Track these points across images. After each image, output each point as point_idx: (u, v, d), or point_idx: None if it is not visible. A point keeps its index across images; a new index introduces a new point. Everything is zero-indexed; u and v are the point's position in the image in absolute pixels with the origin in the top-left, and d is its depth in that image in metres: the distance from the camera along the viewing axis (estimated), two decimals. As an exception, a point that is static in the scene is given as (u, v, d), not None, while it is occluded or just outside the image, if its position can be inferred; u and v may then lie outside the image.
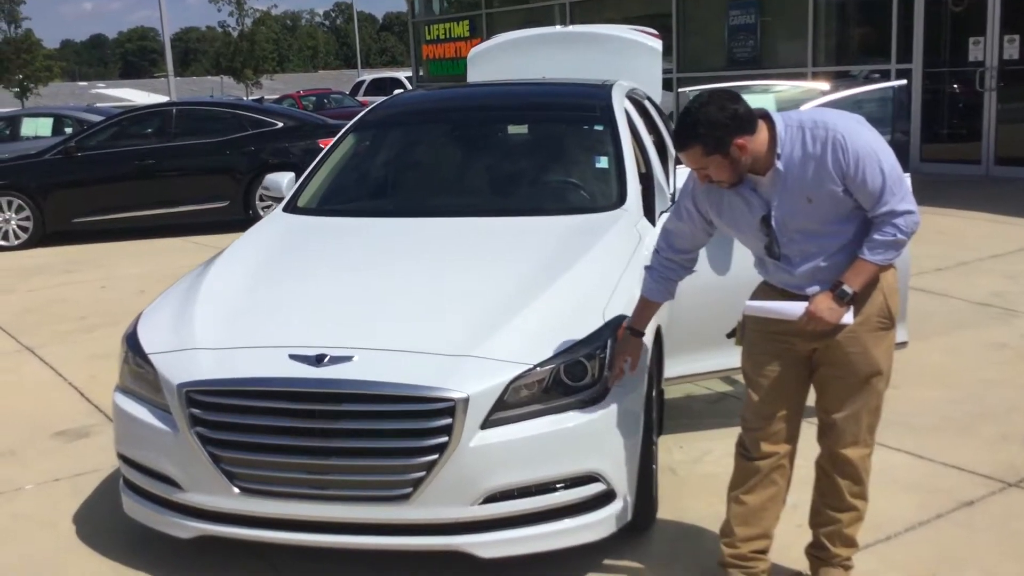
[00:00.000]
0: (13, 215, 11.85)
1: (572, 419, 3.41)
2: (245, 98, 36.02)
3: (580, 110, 5.31)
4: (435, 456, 3.29)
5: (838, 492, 3.33)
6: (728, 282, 4.54)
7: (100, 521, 4.14)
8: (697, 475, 4.47)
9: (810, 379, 3.32)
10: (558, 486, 3.42)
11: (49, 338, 7.28)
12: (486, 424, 3.33)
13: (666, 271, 3.47)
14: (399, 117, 5.71)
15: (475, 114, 5.52)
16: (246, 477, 3.43)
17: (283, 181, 5.21)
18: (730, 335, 3.47)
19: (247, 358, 3.51)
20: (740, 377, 5.20)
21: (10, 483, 4.67)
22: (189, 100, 19.01)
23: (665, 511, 4.07)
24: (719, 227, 3.35)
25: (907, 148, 4.68)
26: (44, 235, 11.92)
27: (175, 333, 3.72)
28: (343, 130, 5.48)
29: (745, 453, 3.38)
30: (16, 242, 11.87)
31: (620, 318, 3.64)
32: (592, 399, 3.45)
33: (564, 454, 3.40)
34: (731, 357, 4.80)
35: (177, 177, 11.96)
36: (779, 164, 3.06)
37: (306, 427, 3.35)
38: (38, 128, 15.93)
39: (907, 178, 3.15)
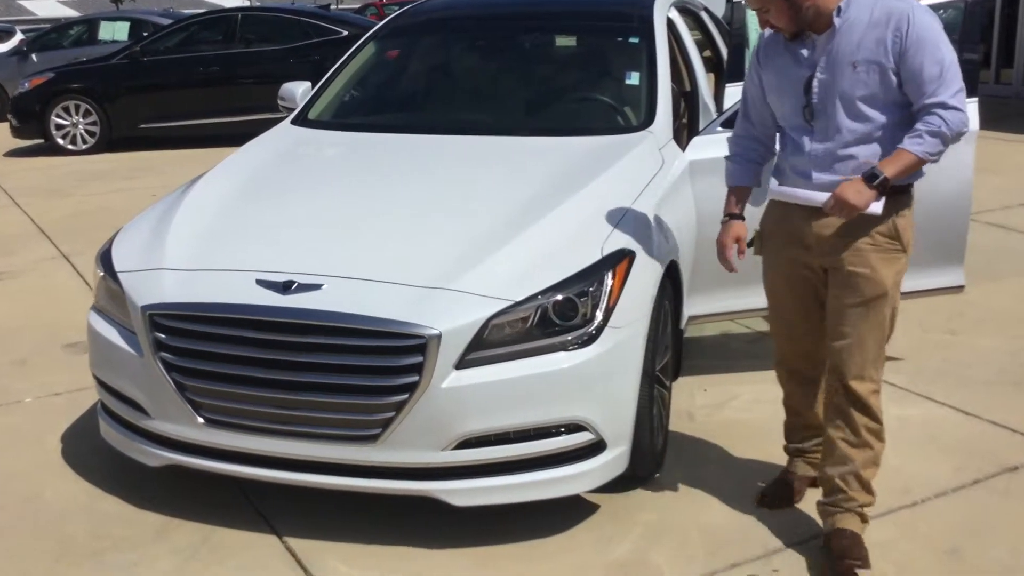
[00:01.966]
0: (81, 119, 11.88)
1: (558, 361, 3.11)
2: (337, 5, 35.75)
3: (615, 20, 4.87)
4: (405, 396, 3.04)
5: (853, 425, 3.12)
6: (763, 213, 4.15)
7: (85, 441, 4.01)
8: (717, 422, 4.14)
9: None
10: (539, 433, 3.15)
11: (86, 245, 7.20)
12: (461, 364, 3.06)
13: (745, 151, 3.34)
14: (422, 26, 5.32)
15: (503, 23, 5.10)
16: (211, 408, 3.24)
17: (298, 91, 4.93)
18: (748, 244, 3.35)
19: (214, 281, 3.28)
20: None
21: (12, 394, 4.59)
22: (254, 6, 18.78)
23: (674, 460, 3.77)
24: (765, 88, 3.21)
25: (976, 71, 4.17)
26: (111, 140, 11.93)
27: (147, 252, 3.51)
28: (363, 38, 5.16)
29: (775, 362, 3.48)
30: (83, 147, 11.93)
31: (622, 252, 3.31)
32: (582, 340, 3.14)
33: (548, 399, 3.12)
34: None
35: (241, 85, 11.81)
36: (837, 21, 2.95)
37: (271, 358, 3.13)
38: (115, 32, 15.92)
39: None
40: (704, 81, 5.03)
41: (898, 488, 3.57)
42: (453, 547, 3.26)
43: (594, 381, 3.16)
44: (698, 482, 3.64)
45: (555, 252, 3.27)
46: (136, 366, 3.34)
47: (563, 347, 3.13)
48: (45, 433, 4.14)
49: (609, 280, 3.22)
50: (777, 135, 3.29)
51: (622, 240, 3.36)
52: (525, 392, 3.09)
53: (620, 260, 3.29)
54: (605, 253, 3.28)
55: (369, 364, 3.07)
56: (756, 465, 3.74)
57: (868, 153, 2.98)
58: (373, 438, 3.09)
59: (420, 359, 3.02)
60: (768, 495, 3.49)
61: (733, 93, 5.20)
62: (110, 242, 3.74)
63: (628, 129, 4.23)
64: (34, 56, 15.80)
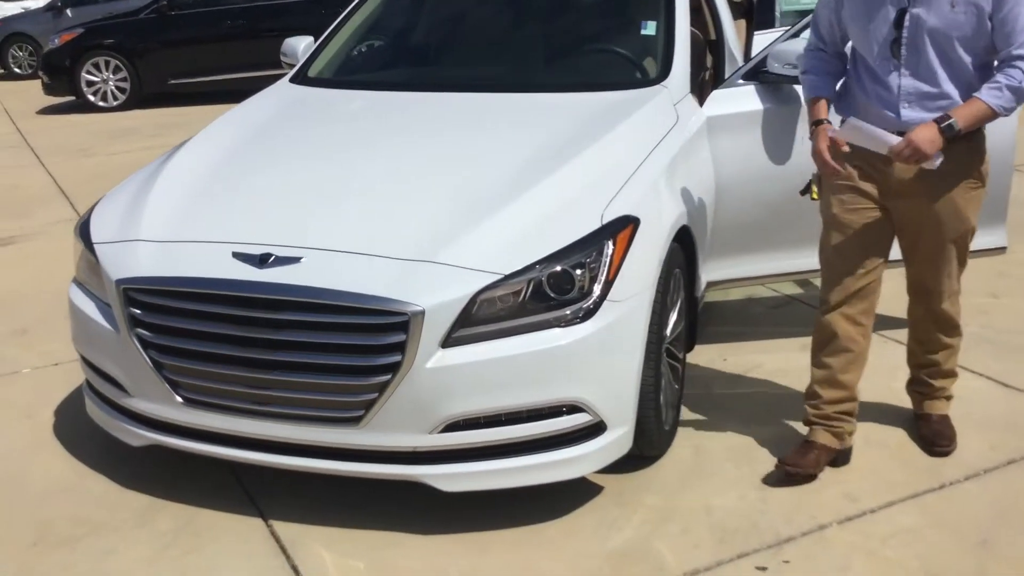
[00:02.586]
0: (111, 76, 11.76)
1: (553, 339, 2.89)
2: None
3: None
4: (387, 377, 2.85)
5: (934, 340, 3.39)
6: (788, 172, 3.88)
7: (79, 415, 3.86)
8: (736, 395, 3.90)
9: (891, 237, 3.25)
10: (533, 415, 2.94)
11: (103, 207, 7.09)
12: (448, 342, 2.85)
13: (822, 64, 3.25)
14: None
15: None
16: (189, 387, 3.07)
17: (300, 46, 4.70)
18: (804, 192, 3.36)
19: (189, 254, 3.09)
20: (811, 279, 4.60)
21: (11, 364, 4.48)
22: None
23: (686, 437, 3.56)
24: (848, 15, 3.12)
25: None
26: (142, 97, 11.81)
27: (124, 222, 3.33)
28: (367, -12, 4.91)
29: (823, 308, 3.30)
30: (114, 103, 11.82)
31: (624, 219, 3.07)
32: (579, 315, 2.92)
33: (541, 379, 2.90)
34: (795, 258, 4.20)
35: (269, 38, 11.53)
36: None
37: (247, 336, 2.95)
38: (143, -16, 15.71)
39: None
40: (731, 28, 4.72)
41: (926, 468, 3.33)
42: (445, 532, 3.08)
43: (592, 359, 2.95)
44: (710, 462, 3.42)
45: (551, 220, 3.04)
46: (114, 342, 3.18)
47: (558, 323, 2.91)
48: (40, 408, 4.02)
49: (609, 250, 2.99)
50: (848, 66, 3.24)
51: (625, 206, 3.12)
52: (517, 372, 2.88)
53: (622, 228, 3.05)
54: (605, 221, 3.04)
55: (349, 343, 2.88)
56: (774, 443, 3.51)
57: (956, 95, 2.98)
58: (356, 420, 2.91)
59: (403, 338, 2.82)
60: (786, 468, 3.28)
61: (762, 42, 4.89)
62: (90, 211, 3.57)
63: (641, 83, 3.94)
64: (69, 11, 15.69)
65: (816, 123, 3.17)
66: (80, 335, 3.42)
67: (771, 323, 4.56)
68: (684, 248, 3.54)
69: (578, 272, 2.93)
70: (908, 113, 3.01)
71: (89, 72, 11.72)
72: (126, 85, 11.78)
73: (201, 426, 3.11)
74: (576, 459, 3.02)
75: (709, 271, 4.07)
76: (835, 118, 3.24)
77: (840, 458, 3.35)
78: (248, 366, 2.96)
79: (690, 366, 4.05)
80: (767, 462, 3.39)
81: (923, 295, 3.31)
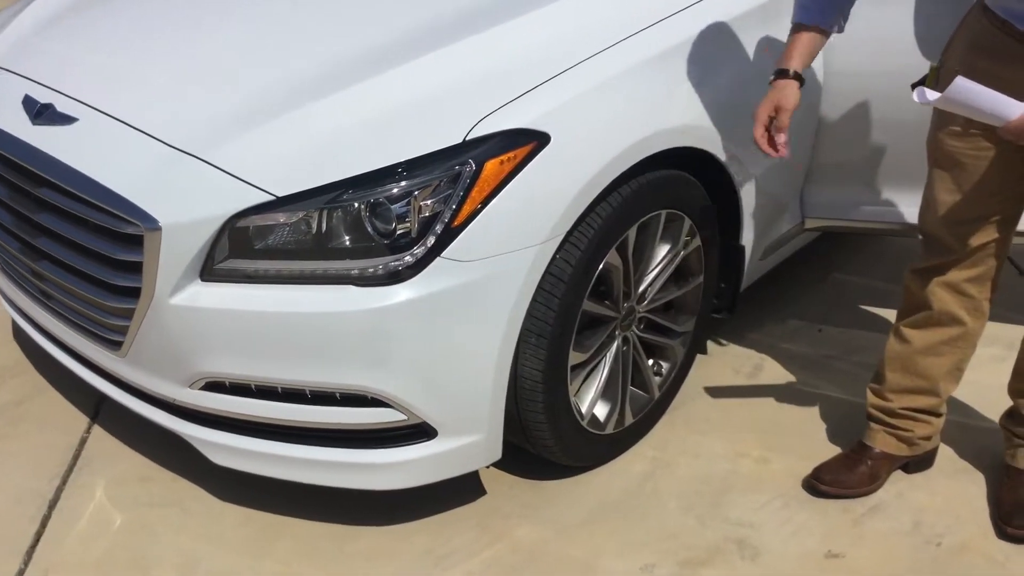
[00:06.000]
0: None
1: (343, 300, 1.96)
2: None
3: None
4: (132, 302, 2.09)
5: None
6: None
7: None
8: (785, 391, 2.70)
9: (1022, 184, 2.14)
10: (319, 398, 2.08)
11: None
12: (210, 274, 2.02)
13: None
14: None
15: None
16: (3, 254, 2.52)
17: None
18: (915, 86, 2.08)
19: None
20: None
21: None
22: None
23: (657, 446, 2.49)
24: None
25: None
26: None
27: (-8, 34, 2.72)
28: None
29: (918, 268, 2.28)
30: None
31: (515, 136, 2.00)
32: (390, 272, 1.95)
33: (324, 354, 2.01)
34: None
35: None
36: None
37: (16, 210, 2.30)
38: None
39: None
40: None
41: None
42: (241, 504, 2.36)
43: (404, 339, 1.99)
44: (654, 496, 2.36)
45: (394, 124, 2.02)
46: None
47: (361, 279, 1.96)
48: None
49: (466, 180, 1.95)
50: None
51: (532, 112, 2.02)
52: (288, 336, 2.01)
53: (504, 149, 1.98)
54: (474, 135, 1.97)
55: (92, 247, 2.13)
56: (778, 483, 2.38)
57: None
58: (116, 345, 2.20)
59: (140, 257, 2.02)
60: (824, 479, 2.39)
61: None
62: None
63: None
64: None
65: (777, 72, 2.11)
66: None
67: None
68: (710, 179, 2.37)
69: (399, 207, 1.93)
70: None
71: None
72: None
73: (13, 299, 2.57)
74: (389, 466, 2.13)
75: (810, 207, 2.79)
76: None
77: (914, 464, 2.45)
78: (21, 245, 2.34)
79: (754, 333, 2.93)
80: (735, 519, 2.28)
81: None
